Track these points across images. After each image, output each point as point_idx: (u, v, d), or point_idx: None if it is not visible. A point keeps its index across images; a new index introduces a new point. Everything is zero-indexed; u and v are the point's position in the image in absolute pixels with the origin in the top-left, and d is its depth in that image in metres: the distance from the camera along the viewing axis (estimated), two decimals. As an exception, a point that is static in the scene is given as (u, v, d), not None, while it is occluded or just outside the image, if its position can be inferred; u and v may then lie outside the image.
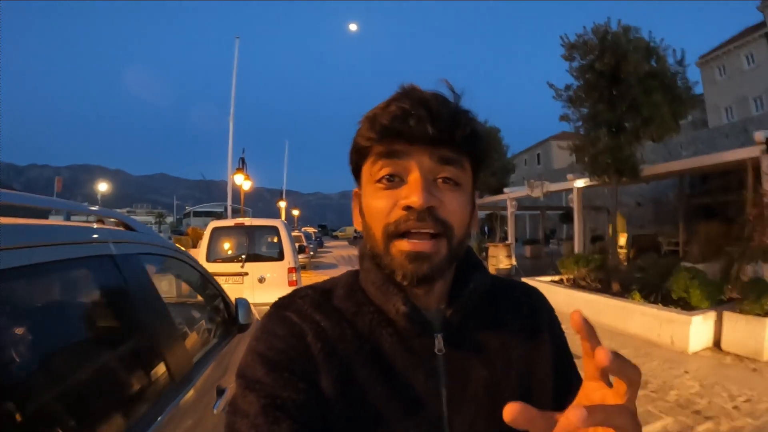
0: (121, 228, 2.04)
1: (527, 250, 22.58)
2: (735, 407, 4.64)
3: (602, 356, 0.42)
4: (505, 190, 17.02)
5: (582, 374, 0.54)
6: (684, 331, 6.57)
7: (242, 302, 2.95)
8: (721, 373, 5.65)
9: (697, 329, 6.56)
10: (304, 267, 17.75)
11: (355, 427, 0.67)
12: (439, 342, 0.74)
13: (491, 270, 15.25)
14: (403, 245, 0.68)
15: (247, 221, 8.32)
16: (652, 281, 8.03)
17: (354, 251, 31.00)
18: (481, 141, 0.75)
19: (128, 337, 1.71)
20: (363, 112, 0.73)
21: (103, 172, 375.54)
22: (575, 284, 10.06)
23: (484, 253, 16.12)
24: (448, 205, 0.70)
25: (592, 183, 11.04)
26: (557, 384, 0.79)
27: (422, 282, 0.69)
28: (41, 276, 1.35)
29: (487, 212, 24.52)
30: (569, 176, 12.57)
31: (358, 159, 0.75)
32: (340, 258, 27.08)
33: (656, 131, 9.16)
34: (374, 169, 0.71)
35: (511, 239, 16.67)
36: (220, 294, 2.92)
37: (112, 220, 2.22)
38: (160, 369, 1.72)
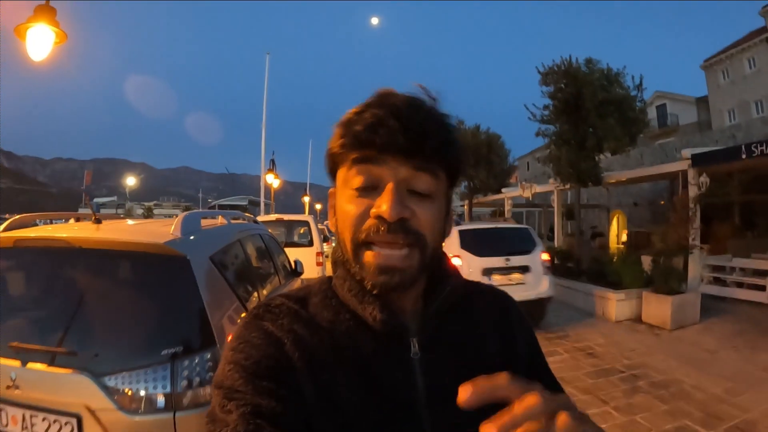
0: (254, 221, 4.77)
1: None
2: (623, 356, 6.59)
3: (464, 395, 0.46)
4: (503, 190, 18.99)
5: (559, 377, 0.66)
6: (611, 305, 8.65)
7: (298, 261, 5.54)
8: (628, 335, 7.70)
9: (621, 304, 8.60)
10: (327, 256, 20.22)
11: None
12: (414, 345, 0.75)
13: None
14: (373, 257, 0.69)
15: (285, 216, 10.99)
16: (600, 268, 10.12)
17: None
18: (456, 149, 0.75)
19: (269, 259, 4.37)
20: None
21: (127, 165, 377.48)
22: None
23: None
24: (420, 216, 0.70)
25: (565, 187, 13.02)
26: (529, 375, 0.75)
27: (393, 292, 0.71)
28: (250, 239, 3.91)
29: (491, 209, 26.37)
30: (551, 180, 14.55)
31: (333, 164, 0.76)
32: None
33: (611, 147, 11.27)
34: (348, 176, 0.72)
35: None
36: (287, 256, 5.46)
37: (252, 218, 5.28)
38: (277, 274, 4.37)
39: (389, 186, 0.68)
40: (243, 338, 0.72)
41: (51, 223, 3.62)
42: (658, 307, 8.16)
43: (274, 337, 0.71)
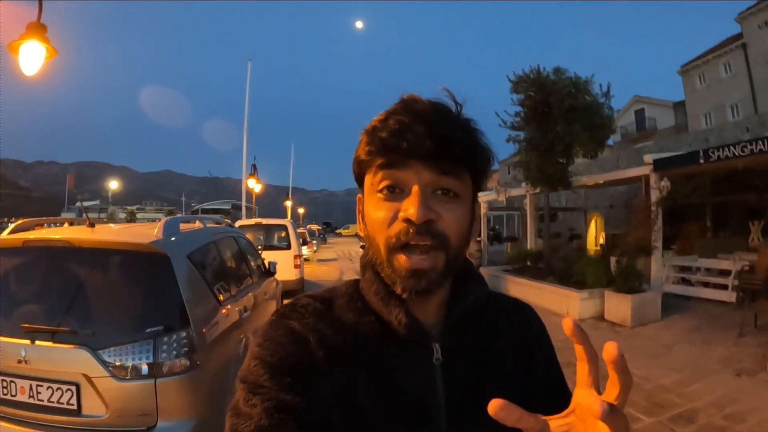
0: (229, 225, 5.12)
1: (508, 247, 24.93)
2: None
3: (612, 350, 0.47)
4: (480, 194, 19.48)
5: (574, 381, 0.59)
6: (574, 304, 9.09)
7: (272, 263, 6.10)
8: (589, 332, 7.69)
9: (585, 303, 9.04)
10: (308, 260, 20.74)
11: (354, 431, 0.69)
12: (437, 351, 0.76)
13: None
14: (404, 261, 0.71)
15: (264, 220, 11.69)
16: (565, 269, 10.63)
17: (353, 247, 33.63)
18: (482, 153, 0.77)
19: (242, 259, 4.84)
20: (369, 108, 0.80)
21: (109, 169, 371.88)
22: (518, 271, 12.61)
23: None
24: (445, 219, 0.72)
25: (536, 191, 13.54)
26: (548, 393, 0.84)
27: (420, 294, 0.72)
28: (225, 241, 4.42)
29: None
30: (523, 184, 15.06)
31: (360, 170, 0.78)
32: (341, 253, 29.52)
33: (578, 152, 11.81)
34: (375, 180, 0.74)
35: (483, 236, 19.20)
36: (261, 257, 5.93)
37: (229, 223, 5.61)
38: (250, 274, 4.78)
39: (415, 189, 0.70)
40: (269, 336, 0.74)
41: (48, 226, 4.01)
42: (618, 306, 8.58)
43: (299, 335, 0.74)
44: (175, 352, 2.56)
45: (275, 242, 11.51)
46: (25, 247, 2.94)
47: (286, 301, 0.83)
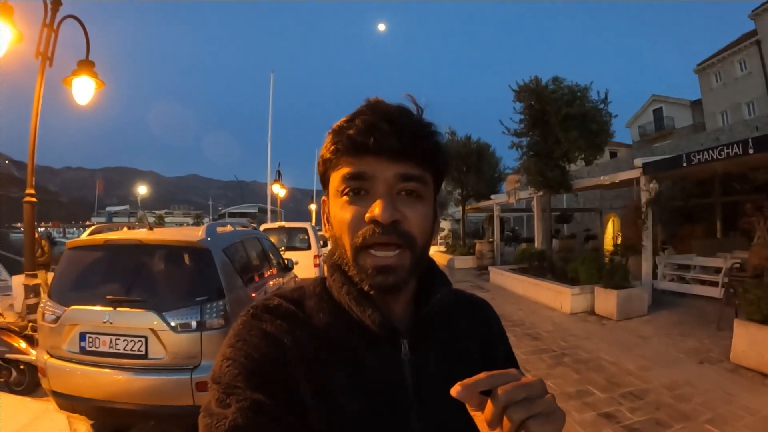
0: (254, 228, 6.32)
1: (523, 247, 25.51)
2: (563, 340, 7.51)
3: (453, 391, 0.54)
4: (492, 197, 20.21)
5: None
6: (567, 299, 9.88)
7: (290, 260, 7.33)
8: (576, 324, 8.77)
9: (576, 298, 9.79)
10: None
11: (332, 429, 0.70)
12: (405, 347, 0.79)
13: (477, 261, 18.87)
14: (370, 259, 0.73)
15: (287, 224, 13.08)
16: (563, 267, 11.48)
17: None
18: (443, 155, 0.80)
19: (267, 257, 6.12)
20: None
21: (136, 174, 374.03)
22: (523, 270, 13.44)
23: (472, 249, 19.90)
24: (411, 218, 0.74)
25: (539, 194, 14.31)
26: None
27: (388, 292, 0.75)
28: (250, 240, 5.57)
29: (486, 214, 27.54)
30: (530, 188, 15.82)
31: (324, 170, 0.80)
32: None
33: (576, 158, 12.68)
34: (340, 181, 0.75)
35: (496, 237, 20.00)
36: (281, 255, 7.03)
37: (254, 226, 6.92)
38: (270, 267, 5.87)
39: (381, 190, 0.73)
40: (241, 336, 0.74)
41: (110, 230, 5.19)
42: (606, 300, 9.26)
43: (271, 336, 0.74)
44: (214, 315, 3.69)
45: (297, 244, 12.67)
46: (106, 244, 4.14)
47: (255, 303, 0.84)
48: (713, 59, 35.22)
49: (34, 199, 5.91)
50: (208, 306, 3.71)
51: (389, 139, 0.72)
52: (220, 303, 3.78)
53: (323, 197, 0.83)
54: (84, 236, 4.38)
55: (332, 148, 0.75)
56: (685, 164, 10.08)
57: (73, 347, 3.68)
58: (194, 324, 3.62)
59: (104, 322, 3.62)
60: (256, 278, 5.16)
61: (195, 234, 4.32)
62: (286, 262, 7.11)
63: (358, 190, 0.74)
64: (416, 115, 0.78)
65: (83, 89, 6.70)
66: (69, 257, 4.14)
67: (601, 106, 12.71)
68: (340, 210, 0.76)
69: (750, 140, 8.40)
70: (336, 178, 0.77)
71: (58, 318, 3.76)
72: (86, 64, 6.71)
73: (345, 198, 0.75)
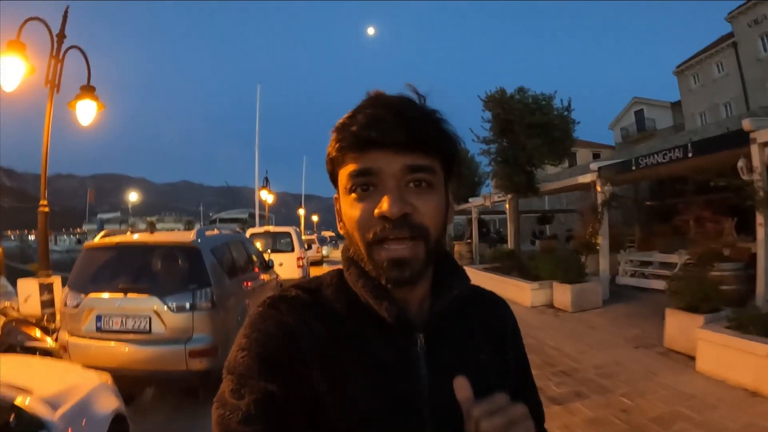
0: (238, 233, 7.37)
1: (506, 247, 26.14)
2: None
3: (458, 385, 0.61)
4: (470, 199, 21.03)
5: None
6: (528, 294, 10.71)
7: (271, 260, 8.30)
8: (533, 316, 9.44)
9: (536, 293, 10.59)
10: (320, 262, 23.96)
11: (345, 421, 0.70)
12: (420, 340, 0.79)
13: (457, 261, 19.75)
14: (384, 253, 0.73)
15: (272, 229, 14.32)
16: (527, 264, 12.45)
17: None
18: (451, 141, 0.78)
19: (249, 257, 7.08)
20: None
21: (127, 181, 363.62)
22: (495, 269, 14.29)
23: (451, 250, 20.78)
24: (422, 210, 0.73)
25: (510, 197, 15.17)
26: (517, 384, 0.90)
27: (404, 285, 0.75)
28: (235, 243, 6.68)
29: (468, 216, 28.29)
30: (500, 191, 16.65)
31: (332, 168, 0.79)
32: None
33: (540, 163, 13.72)
34: (347, 179, 0.74)
35: (474, 238, 20.83)
36: (262, 255, 8.00)
37: (239, 230, 7.97)
38: (256, 266, 6.98)
39: (389, 184, 0.72)
40: (256, 327, 0.74)
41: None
42: (562, 294, 9.96)
43: (287, 327, 0.73)
44: (203, 299, 4.76)
45: (281, 247, 13.83)
46: (117, 245, 5.34)
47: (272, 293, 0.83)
48: (691, 61, 35.68)
49: (46, 209, 6.87)
50: (198, 292, 4.77)
51: (392, 131, 0.71)
52: (208, 290, 4.84)
53: (335, 195, 0.83)
54: (97, 239, 5.46)
55: (337, 145, 0.75)
56: (633, 168, 10.85)
57: (90, 327, 4.70)
58: (187, 306, 4.69)
59: (117, 306, 4.66)
60: (239, 273, 6.15)
61: (188, 236, 5.42)
62: (267, 262, 8.10)
63: (366, 186, 0.74)
64: (419, 103, 0.77)
65: (86, 112, 7.55)
66: (86, 256, 5.28)
67: (565, 113, 13.60)
68: (350, 207, 0.75)
69: (689, 144, 9.12)
70: (343, 175, 0.76)
71: (78, 304, 4.78)
72: (88, 89, 7.57)
73: (353, 195, 0.75)
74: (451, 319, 0.83)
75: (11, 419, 2.14)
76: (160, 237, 5.75)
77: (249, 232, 13.53)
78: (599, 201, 11.71)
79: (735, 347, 5.16)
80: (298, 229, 15.86)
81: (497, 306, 0.97)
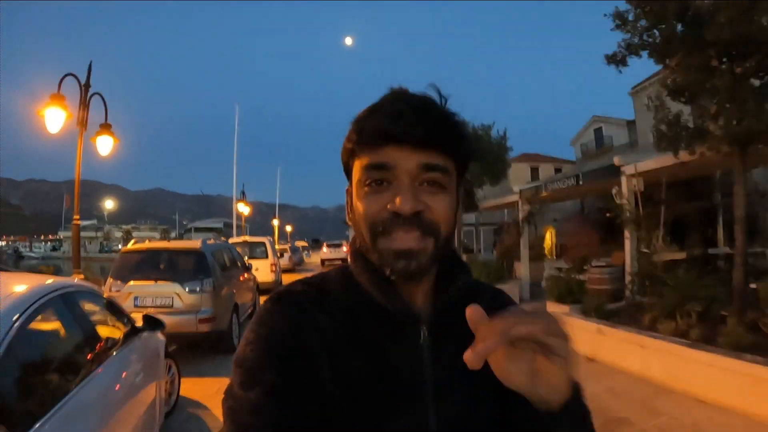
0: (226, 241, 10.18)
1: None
2: None
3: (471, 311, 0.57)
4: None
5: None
6: (456, 294, 12.99)
7: (250, 264, 11.22)
8: None
9: None
10: (293, 270, 26.05)
11: (352, 414, 0.71)
12: (424, 334, 0.79)
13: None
14: (390, 243, 0.72)
15: (249, 239, 17.35)
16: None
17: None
18: (467, 144, 0.79)
19: (234, 261, 9.68)
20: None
21: (101, 188, 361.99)
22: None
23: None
24: (434, 209, 0.72)
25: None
26: None
27: (410, 278, 0.74)
28: (223, 249, 9.50)
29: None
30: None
31: (347, 159, 0.79)
32: (317, 265, 33.65)
33: (481, 184, 15.88)
34: (362, 171, 0.74)
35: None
36: (243, 258, 10.64)
37: (224, 239, 11.05)
38: (240, 267, 9.72)
39: (403, 180, 0.72)
40: (264, 321, 0.75)
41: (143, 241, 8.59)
42: None
43: (294, 321, 0.74)
44: (207, 285, 7.30)
45: (257, 254, 16.31)
46: (147, 249, 7.82)
47: (280, 287, 0.85)
48: (645, 83, 37.21)
49: (78, 222, 8.70)
50: (204, 281, 7.31)
51: (413, 128, 0.71)
52: (210, 279, 7.41)
53: (347, 187, 0.81)
54: (130, 246, 8.04)
55: (355, 137, 0.75)
56: (544, 192, 13.04)
57: (129, 304, 6.90)
58: (198, 289, 7.20)
59: (150, 291, 7.10)
60: (228, 269, 8.65)
61: (196, 244, 8.06)
62: (247, 264, 10.71)
63: (380, 181, 0.73)
64: (440, 104, 0.77)
65: (104, 145, 9.45)
66: (123, 257, 7.87)
67: (501, 141, 15.77)
68: (361, 200, 0.75)
69: (580, 174, 11.43)
70: (358, 167, 0.76)
71: (120, 290, 7.14)
72: (106, 126, 9.45)
73: (366, 189, 0.74)
74: (455, 311, 0.74)
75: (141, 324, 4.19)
76: (177, 244, 8.51)
77: (230, 241, 16.01)
78: (521, 217, 13.96)
79: (579, 327, 7.12)
80: (272, 239, 18.30)
81: (497, 295, 0.94)
